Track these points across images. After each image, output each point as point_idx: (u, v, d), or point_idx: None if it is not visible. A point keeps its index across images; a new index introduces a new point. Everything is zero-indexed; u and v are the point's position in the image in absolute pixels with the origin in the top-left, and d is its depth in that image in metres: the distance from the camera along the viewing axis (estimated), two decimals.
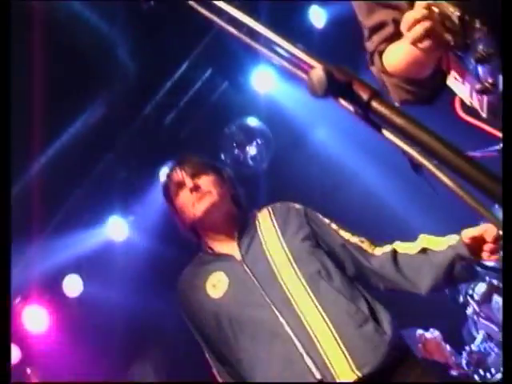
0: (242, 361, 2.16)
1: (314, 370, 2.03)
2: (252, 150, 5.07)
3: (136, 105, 4.82)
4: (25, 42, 3.62)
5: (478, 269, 4.08)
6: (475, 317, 4.03)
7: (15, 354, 4.57)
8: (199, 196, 2.31)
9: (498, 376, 3.58)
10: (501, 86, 1.24)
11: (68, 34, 3.98)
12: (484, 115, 1.33)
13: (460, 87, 1.38)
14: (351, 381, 2.01)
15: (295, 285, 2.14)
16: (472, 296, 4.04)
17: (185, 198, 2.36)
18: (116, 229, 4.85)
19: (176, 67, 4.89)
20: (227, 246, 2.32)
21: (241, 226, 2.33)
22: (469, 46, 1.23)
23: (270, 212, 2.37)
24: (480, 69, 1.23)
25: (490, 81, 1.22)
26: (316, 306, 2.10)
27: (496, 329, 3.89)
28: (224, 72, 4.96)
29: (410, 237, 2.26)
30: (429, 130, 0.65)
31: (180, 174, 2.39)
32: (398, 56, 1.54)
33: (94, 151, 4.68)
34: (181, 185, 2.38)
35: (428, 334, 3.97)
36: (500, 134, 1.31)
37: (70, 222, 4.84)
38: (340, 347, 2.04)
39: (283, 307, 2.11)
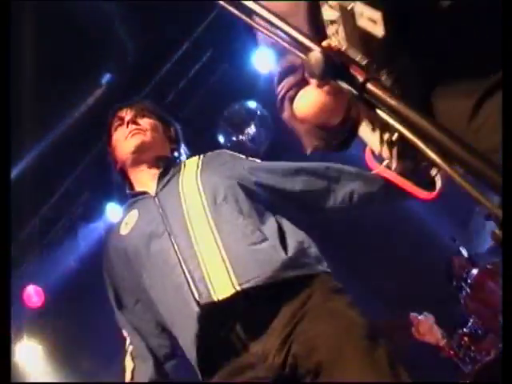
0: (151, 295, 2.08)
1: (193, 290, 1.91)
2: (251, 132, 5.09)
3: (135, 85, 4.83)
4: (22, 21, 3.62)
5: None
6: (468, 300, 4.09)
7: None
8: (133, 131, 2.32)
9: (487, 358, 3.64)
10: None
11: (66, 11, 3.97)
12: (393, 167, 1.27)
13: (370, 136, 1.33)
14: (227, 295, 1.87)
15: (196, 209, 2.07)
16: (465, 279, 4.10)
17: (120, 132, 2.36)
18: (114, 214, 4.93)
19: (177, 47, 4.89)
20: (147, 185, 2.28)
21: (165, 168, 2.30)
22: None
23: (199, 156, 2.35)
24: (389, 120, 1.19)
25: (396, 134, 1.17)
26: (210, 227, 2.01)
27: (488, 312, 3.94)
28: (225, 52, 4.96)
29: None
30: (418, 111, 0.68)
31: (125, 111, 2.40)
32: (306, 102, 1.47)
33: (91, 134, 4.69)
34: (122, 120, 2.38)
35: (421, 317, 4.03)
36: (410, 189, 1.26)
37: (68, 203, 4.87)
38: (225, 264, 1.92)
39: (178, 233, 2.03)
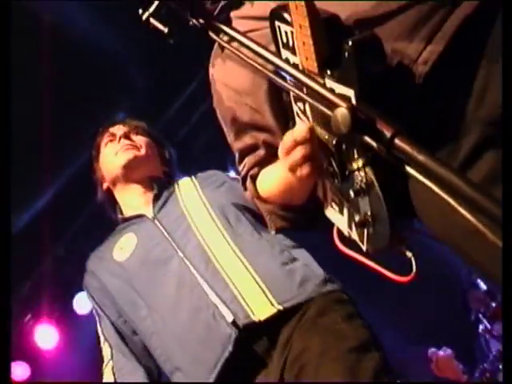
0: (145, 325, 1.94)
1: (224, 312, 1.77)
2: None
3: (147, 122, 4.85)
4: (35, 61, 3.66)
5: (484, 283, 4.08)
6: (487, 335, 4.02)
7: (25, 371, 4.61)
8: (126, 146, 2.18)
9: None
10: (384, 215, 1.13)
11: (79, 51, 4.02)
12: (364, 248, 1.23)
13: (338, 217, 1.29)
14: (269, 315, 1.75)
15: (210, 230, 1.94)
16: (484, 313, 4.04)
17: (111, 148, 2.22)
18: None
19: (187, 84, 4.93)
20: (140, 209, 2.14)
21: (159, 190, 2.15)
22: (346, 177, 1.15)
23: (191, 177, 2.22)
24: (359, 200, 1.15)
25: (368, 213, 1.13)
26: (231, 248, 1.89)
27: None
28: None
29: None
30: (450, 167, 0.67)
31: (117, 127, 2.26)
32: (271, 182, 1.45)
33: None
34: (114, 136, 2.24)
35: (440, 352, 3.96)
36: (384, 272, 1.20)
37: (81, 242, 4.86)
38: (258, 284, 1.79)
39: (195, 254, 1.90)
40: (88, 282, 2.14)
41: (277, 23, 1.18)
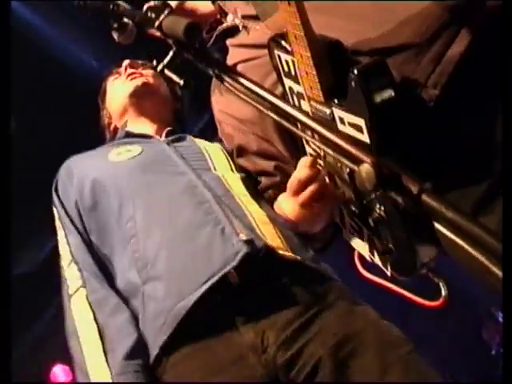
0: (126, 228, 1.56)
1: (239, 229, 1.45)
2: None
3: None
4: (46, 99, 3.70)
5: None
6: None
7: None
8: (133, 75, 1.96)
9: None
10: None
11: (87, 90, 4.05)
12: (388, 273, 1.18)
13: (358, 243, 1.25)
14: (287, 257, 1.44)
15: (231, 175, 1.66)
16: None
17: (118, 81, 2.00)
18: None
19: (197, 119, 4.95)
20: (151, 132, 1.90)
21: (174, 127, 1.91)
22: (365, 206, 1.12)
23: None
24: (379, 228, 1.11)
25: (390, 239, 1.10)
26: (252, 196, 1.60)
27: None
28: None
29: None
30: (480, 224, 0.65)
31: (125, 65, 2.02)
32: (286, 212, 1.42)
33: None
34: (119, 74, 2.03)
35: None
36: (411, 298, 1.16)
37: None
38: (277, 233, 1.51)
39: (211, 180, 1.61)
40: (61, 186, 1.75)
41: (276, 52, 1.15)
